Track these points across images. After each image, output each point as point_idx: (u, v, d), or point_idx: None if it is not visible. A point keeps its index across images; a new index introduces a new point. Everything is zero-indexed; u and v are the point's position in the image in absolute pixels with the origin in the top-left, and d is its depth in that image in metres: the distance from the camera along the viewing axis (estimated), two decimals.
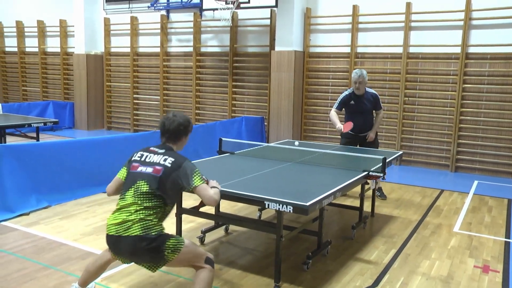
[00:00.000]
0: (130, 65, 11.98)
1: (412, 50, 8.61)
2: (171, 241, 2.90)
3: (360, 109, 5.97)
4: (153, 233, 2.85)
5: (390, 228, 5.10)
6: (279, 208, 3.19)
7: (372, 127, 6.03)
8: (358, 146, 6.09)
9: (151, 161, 3.04)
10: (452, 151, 8.40)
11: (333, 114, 6.04)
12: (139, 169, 3.03)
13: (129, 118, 12.23)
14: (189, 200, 5.44)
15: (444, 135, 8.53)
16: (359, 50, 9.08)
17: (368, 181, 4.46)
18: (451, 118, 8.42)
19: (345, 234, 4.82)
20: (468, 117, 8.29)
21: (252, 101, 10.43)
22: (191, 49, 11.04)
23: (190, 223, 4.98)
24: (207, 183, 3.11)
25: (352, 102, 5.98)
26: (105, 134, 11.29)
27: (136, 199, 2.94)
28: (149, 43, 11.72)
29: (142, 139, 7.09)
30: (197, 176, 2.99)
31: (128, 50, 12.01)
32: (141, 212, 2.89)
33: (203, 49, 11.04)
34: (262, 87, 10.24)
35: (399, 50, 8.66)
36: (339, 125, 5.79)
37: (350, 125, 5.77)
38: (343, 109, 6.11)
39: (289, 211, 3.15)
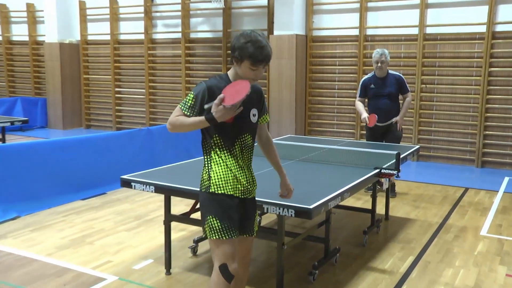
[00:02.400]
0: (111, 55, 11.98)
1: (429, 30, 8.60)
2: (213, 221, 2.72)
3: (382, 92, 6.07)
4: (202, 189, 2.78)
5: (407, 233, 5.10)
6: (279, 212, 3.19)
7: (400, 112, 6.12)
8: (381, 138, 6.19)
9: None
10: (478, 144, 8.40)
11: (357, 103, 6.27)
12: None
13: (110, 115, 12.24)
14: (179, 206, 5.46)
15: (468, 126, 8.53)
16: (369, 32, 9.07)
17: (381, 179, 4.46)
18: (476, 107, 8.41)
19: (356, 240, 4.82)
20: (496, 105, 8.28)
21: None
22: (179, 35, 11.03)
23: (181, 231, 4.99)
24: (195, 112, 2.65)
25: (373, 86, 6.12)
26: (83, 134, 11.28)
27: None
28: (132, 29, 11.72)
29: (126, 138, 7.10)
30: (186, 98, 2.72)
31: (108, 37, 12.00)
32: (204, 159, 2.85)
33: (193, 35, 11.03)
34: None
35: (415, 31, 8.66)
36: (364, 115, 5.97)
37: (374, 118, 5.95)
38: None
39: (291, 215, 3.16)
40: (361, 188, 3.98)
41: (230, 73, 2.80)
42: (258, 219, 5.19)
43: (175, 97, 11.27)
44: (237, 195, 2.77)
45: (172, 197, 3.97)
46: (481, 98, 8.29)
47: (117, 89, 12.12)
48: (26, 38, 13.23)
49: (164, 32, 11.37)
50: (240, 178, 2.77)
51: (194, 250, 4.45)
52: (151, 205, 6.03)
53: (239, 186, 2.77)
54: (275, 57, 9.33)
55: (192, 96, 2.68)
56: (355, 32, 9.15)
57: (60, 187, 6.05)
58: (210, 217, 2.73)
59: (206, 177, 2.76)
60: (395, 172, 4.21)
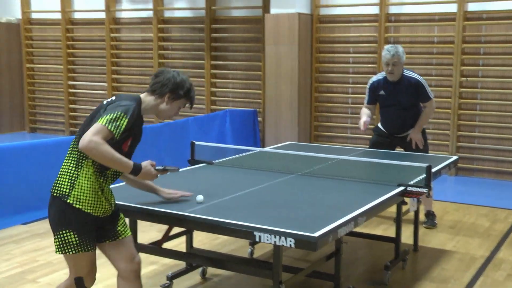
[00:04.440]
0: (62, 38, 11.97)
1: (471, 7, 8.63)
2: (69, 235, 3.18)
3: (393, 101, 6.04)
4: (56, 193, 3.22)
5: (443, 269, 5.09)
6: (275, 242, 3.18)
7: (415, 125, 6.07)
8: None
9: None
10: None
11: (363, 109, 6.22)
12: None
13: (62, 115, 12.22)
14: (150, 232, 5.45)
15: None
16: (392, 10, 9.11)
17: (406, 200, 4.47)
18: None
19: (375, 278, 4.80)
20: None
21: (240, 87, 10.43)
22: (150, 13, 11.05)
23: (151, 265, 4.98)
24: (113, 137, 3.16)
25: (382, 92, 6.07)
26: (27, 139, 11.24)
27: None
28: (89, 6, 11.71)
29: None
30: (111, 115, 3.13)
31: (58, 16, 12.00)
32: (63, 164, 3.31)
33: (167, 14, 11.05)
34: (253, 67, 10.26)
35: (452, 8, 8.69)
36: (361, 120, 5.92)
37: (366, 124, 5.93)
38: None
39: (290, 245, 3.15)
40: (381, 210, 4.00)
41: (145, 101, 3.41)
42: (249, 250, 5.22)
43: None
44: (96, 214, 3.26)
45: (139, 221, 3.97)
46: None
47: (70, 82, 12.09)
48: None
49: (131, 10, 11.37)
50: (104, 201, 3.30)
51: None
52: None
53: (100, 208, 3.28)
54: (272, 42, 9.34)
55: (126, 118, 3.16)
56: (375, 10, 9.17)
57: None
58: (66, 231, 3.18)
59: (67, 183, 3.20)
60: (425, 190, 4.21)
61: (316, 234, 3.14)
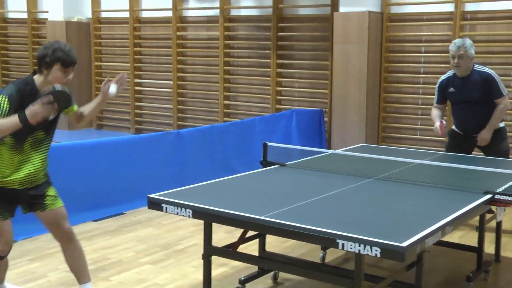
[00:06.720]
0: (130, 37, 12.12)
1: None
2: None
3: (464, 98, 5.91)
4: None
5: None
6: (359, 250, 3.08)
7: (487, 125, 5.90)
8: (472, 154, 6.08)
9: None
10: None
11: (433, 112, 6.20)
12: None
13: (128, 112, 12.36)
14: (218, 233, 5.41)
15: None
16: (468, 7, 8.86)
17: (493, 208, 4.28)
18: None
19: None
20: None
21: (306, 86, 10.32)
22: (217, 12, 11.06)
23: (221, 267, 4.97)
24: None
25: (452, 89, 5.99)
26: (94, 136, 11.44)
27: None
28: (157, 5, 11.84)
29: (150, 143, 7.12)
30: None
31: (126, 15, 12.15)
32: None
33: (234, 12, 11.03)
34: (320, 66, 10.13)
35: None
36: (437, 124, 5.91)
37: (443, 125, 5.96)
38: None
39: (375, 255, 3.04)
40: (468, 219, 3.86)
41: (37, 80, 3.76)
42: (321, 254, 5.10)
43: (210, 92, 11.27)
44: (12, 187, 3.76)
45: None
46: None
47: (137, 80, 12.24)
48: (25, 15, 13.50)
49: (197, 9, 11.42)
50: (20, 173, 3.75)
51: None
52: (181, 230, 6.01)
53: (16, 179, 3.75)
54: (340, 41, 9.22)
55: (6, 100, 3.58)
56: (449, 7, 8.94)
57: (65, 203, 6.06)
58: None
59: None
60: None
61: (404, 244, 3.04)
